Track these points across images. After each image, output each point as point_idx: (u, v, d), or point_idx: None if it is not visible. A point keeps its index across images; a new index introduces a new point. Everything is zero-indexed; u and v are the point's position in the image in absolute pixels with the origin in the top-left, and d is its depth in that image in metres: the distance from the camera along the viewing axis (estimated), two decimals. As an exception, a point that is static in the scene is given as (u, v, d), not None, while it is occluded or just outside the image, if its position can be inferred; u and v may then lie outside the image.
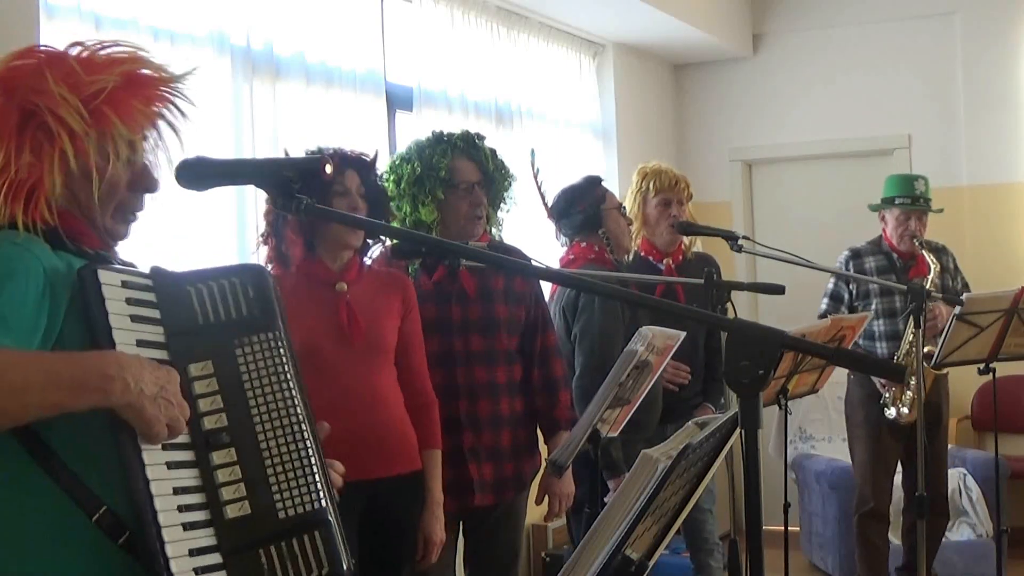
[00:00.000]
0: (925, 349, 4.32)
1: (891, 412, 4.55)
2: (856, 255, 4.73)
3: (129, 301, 1.61)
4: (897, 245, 4.68)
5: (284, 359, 1.71)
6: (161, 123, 1.72)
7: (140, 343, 1.59)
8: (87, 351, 1.54)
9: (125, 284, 1.61)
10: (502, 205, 3.28)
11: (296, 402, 1.69)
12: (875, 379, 4.57)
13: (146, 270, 1.68)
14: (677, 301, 3.94)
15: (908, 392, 4.49)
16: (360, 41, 4.31)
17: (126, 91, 1.65)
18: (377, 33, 4.46)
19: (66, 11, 3.12)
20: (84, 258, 1.64)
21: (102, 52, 1.68)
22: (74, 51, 1.68)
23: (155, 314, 1.64)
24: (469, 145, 3.22)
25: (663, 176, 4.16)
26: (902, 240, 4.65)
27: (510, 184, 3.29)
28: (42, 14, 3.05)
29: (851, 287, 4.69)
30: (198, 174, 1.65)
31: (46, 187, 1.59)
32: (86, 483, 1.53)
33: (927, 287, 4.12)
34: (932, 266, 4.51)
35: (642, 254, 4.15)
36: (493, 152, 3.27)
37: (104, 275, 1.60)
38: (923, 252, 4.57)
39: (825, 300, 4.74)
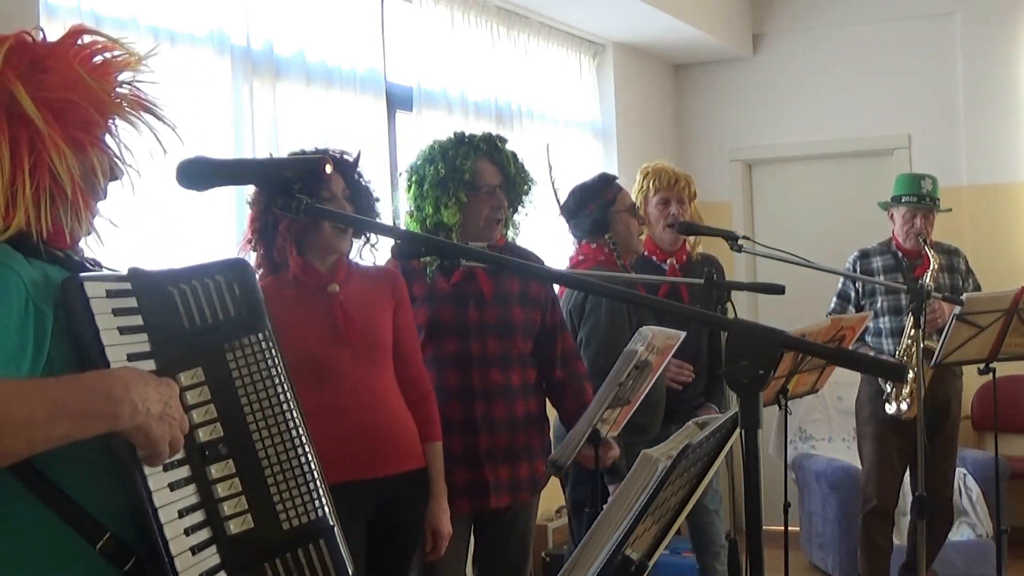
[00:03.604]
0: (923, 344, 4.33)
1: (891, 408, 4.55)
2: (864, 255, 4.78)
3: (116, 312, 1.50)
4: (903, 244, 4.72)
5: (276, 360, 1.63)
6: (129, 107, 1.60)
7: (131, 356, 1.49)
8: (87, 372, 1.42)
9: (110, 293, 1.50)
10: (520, 208, 3.28)
11: (291, 406, 1.62)
12: None
13: (123, 271, 1.57)
14: (681, 301, 3.94)
15: (906, 387, 4.49)
16: (360, 41, 4.30)
17: (76, 91, 1.53)
18: (377, 33, 4.46)
19: (66, 11, 3.11)
20: (56, 263, 1.52)
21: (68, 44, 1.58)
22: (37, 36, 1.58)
23: (139, 321, 1.52)
24: (492, 148, 3.20)
25: (662, 175, 4.17)
26: (908, 238, 4.69)
27: (530, 188, 3.27)
28: (42, 14, 3.04)
29: (857, 285, 4.74)
30: (198, 174, 1.62)
31: (27, 190, 1.47)
32: (86, 508, 1.45)
33: (927, 286, 4.14)
34: (932, 262, 4.54)
35: (646, 254, 4.15)
36: (514, 155, 3.25)
37: (89, 287, 1.48)
38: (927, 250, 4.59)
39: (834, 299, 4.81)
